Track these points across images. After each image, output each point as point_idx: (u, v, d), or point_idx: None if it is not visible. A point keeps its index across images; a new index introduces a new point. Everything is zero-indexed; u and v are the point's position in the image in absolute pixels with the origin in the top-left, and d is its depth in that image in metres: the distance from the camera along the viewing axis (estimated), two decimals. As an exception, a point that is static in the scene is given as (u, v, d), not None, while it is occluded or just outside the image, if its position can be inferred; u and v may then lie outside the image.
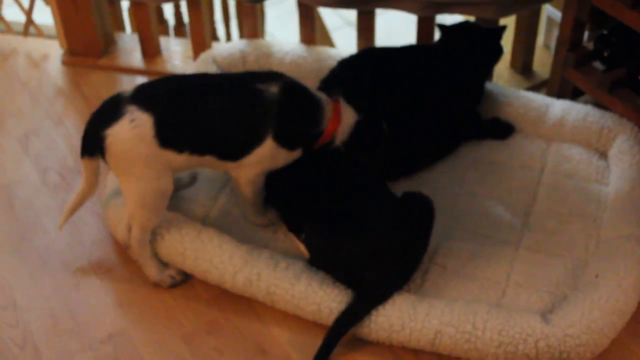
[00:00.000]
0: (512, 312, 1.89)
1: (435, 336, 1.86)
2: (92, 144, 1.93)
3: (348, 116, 2.06)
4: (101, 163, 1.98)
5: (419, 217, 2.01)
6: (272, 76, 1.98)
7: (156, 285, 2.08)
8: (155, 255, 2.07)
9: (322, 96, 2.04)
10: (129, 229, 2.02)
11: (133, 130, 1.86)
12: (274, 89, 1.94)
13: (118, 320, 2.03)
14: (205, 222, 2.20)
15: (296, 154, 2.01)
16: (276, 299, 1.98)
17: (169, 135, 1.89)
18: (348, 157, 2.08)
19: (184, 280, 2.09)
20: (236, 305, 2.04)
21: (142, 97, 1.90)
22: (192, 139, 1.92)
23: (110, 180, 2.28)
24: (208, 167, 2.08)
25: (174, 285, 2.08)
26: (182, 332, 1.99)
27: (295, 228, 2.07)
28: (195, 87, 1.96)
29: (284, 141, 1.96)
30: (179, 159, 1.94)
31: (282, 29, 4.55)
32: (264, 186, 2.11)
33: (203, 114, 1.92)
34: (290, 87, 1.98)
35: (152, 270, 2.06)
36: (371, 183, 2.06)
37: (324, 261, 2.00)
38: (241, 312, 2.03)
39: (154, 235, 2.07)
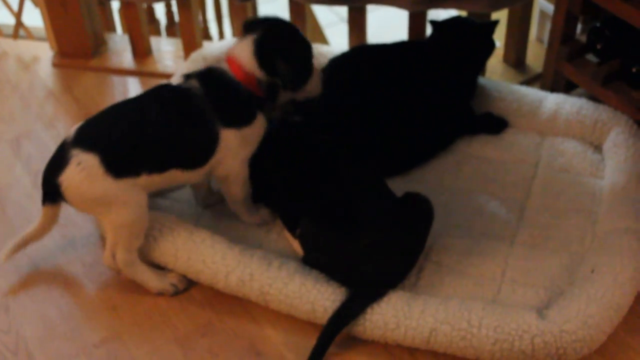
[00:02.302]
0: (508, 309, 1.87)
1: (431, 334, 1.85)
2: (52, 192, 1.94)
3: (242, 47, 2.01)
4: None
5: (417, 217, 2.00)
6: (189, 75, 2.01)
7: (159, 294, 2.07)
8: (150, 264, 2.05)
9: (216, 60, 2.08)
10: (114, 256, 2.01)
11: (82, 172, 1.87)
12: (194, 82, 1.97)
13: (111, 324, 2.01)
14: (197, 222, 2.18)
15: (257, 125, 2.02)
16: (270, 299, 1.97)
17: (119, 166, 1.89)
18: (345, 152, 2.07)
19: (187, 288, 2.07)
20: (230, 306, 2.03)
21: (83, 137, 1.91)
22: (144, 160, 1.92)
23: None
24: (184, 182, 2.10)
25: (177, 294, 2.06)
26: (175, 335, 1.98)
27: (290, 224, 2.06)
28: (131, 111, 1.98)
29: (233, 121, 1.97)
30: (141, 181, 1.93)
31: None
32: (259, 183, 2.10)
33: (148, 134, 1.92)
34: (206, 75, 2.00)
35: (151, 283, 2.05)
36: (370, 179, 2.05)
37: (319, 257, 1.98)
38: (235, 313, 2.02)
39: (146, 238, 2.05)
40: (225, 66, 2.00)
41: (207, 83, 1.98)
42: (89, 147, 1.88)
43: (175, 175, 1.97)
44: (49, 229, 2.05)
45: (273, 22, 2.06)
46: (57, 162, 1.92)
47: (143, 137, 1.92)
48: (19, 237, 2.06)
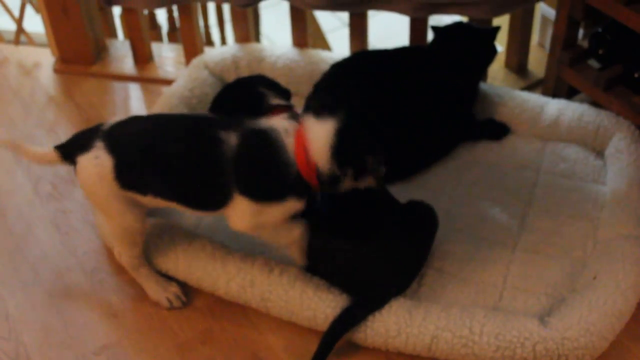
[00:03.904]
0: (509, 316, 1.87)
1: (432, 341, 1.84)
2: (68, 155, 1.90)
3: (317, 131, 1.78)
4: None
5: (421, 225, 1.99)
6: (236, 122, 1.82)
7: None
8: (153, 273, 2.05)
9: (281, 129, 1.79)
10: (120, 255, 2.01)
11: (95, 167, 1.84)
12: (233, 137, 1.78)
13: (111, 331, 2.01)
14: (198, 229, 2.18)
15: (286, 206, 1.80)
16: (271, 306, 1.96)
17: (128, 179, 1.85)
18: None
19: (184, 304, 2.05)
20: (230, 313, 2.02)
21: (113, 135, 1.86)
22: (153, 184, 1.85)
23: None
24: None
25: (172, 308, 2.04)
26: (176, 342, 1.97)
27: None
28: (158, 131, 1.87)
29: (253, 193, 1.78)
30: (145, 200, 1.88)
31: (279, 32, 4.55)
32: None
33: (162, 160, 1.83)
34: (250, 133, 1.79)
35: (150, 291, 2.04)
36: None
37: (322, 266, 1.98)
38: (236, 320, 2.01)
39: (147, 244, 2.05)
40: (288, 141, 1.77)
41: (249, 146, 1.79)
42: (110, 148, 1.83)
43: (180, 207, 1.90)
44: (43, 163, 1.99)
45: (352, 111, 1.82)
46: (85, 140, 1.87)
47: (160, 163, 1.83)
48: (20, 143, 1.98)
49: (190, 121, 1.90)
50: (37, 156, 1.96)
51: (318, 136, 1.76)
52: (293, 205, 1.81)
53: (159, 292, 2.03)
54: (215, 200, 1.82)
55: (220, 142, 1.77)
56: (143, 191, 1.86)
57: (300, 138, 1.77)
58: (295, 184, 1.78)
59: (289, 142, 1.77)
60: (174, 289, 2.04)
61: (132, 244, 1.97)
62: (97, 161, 1.83)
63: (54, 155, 1.92)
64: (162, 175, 1.84)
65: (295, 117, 1.83)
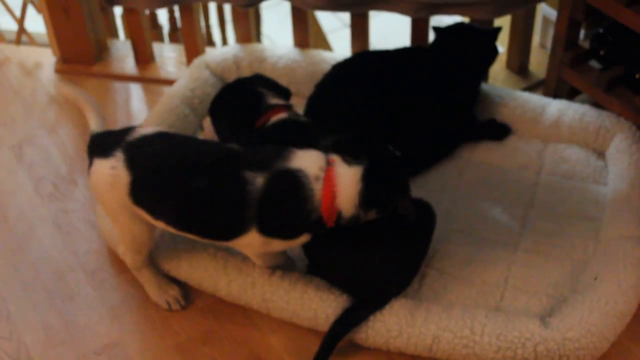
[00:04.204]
0: (511, 316, 1.87)
1: (433, 341, 1.85)
2: (90, 155, 1.89)
3: (347, 179, 1.75)
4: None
5: (419, 223, 1.99)
6: (265, 161, 1.77)
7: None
8: (155, 275, 2.04)
9: (312, 175, 1.75)
10: (124, 255, 2.00)
11: (110, 177, 1.81)
12: (260, 179, 1.74)
13: (113, 330, 2.01)
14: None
15: (297, 241, 1.82)
16: (272, 306, 1.96)
17: (143, 199, 1.82)
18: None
19: (184, 307, 2.04)
20: (232, 313, 2.02)
21: (134, 149, 1.81)
22: (167, 212, 1.82)
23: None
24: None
25: (170, 310, 2.04)
26: (177, 342, 1.97)
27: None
28: (182, 157, 1.82)
29: (270, 233, 1.78)
30: (155, 223, 1.86)
31: (280, 32, 4.55)
32: None
33: (181, 191, 1.79)
34: (278, 178, 1.75)
35: (151, 292, 2.04)
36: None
37: (323, 269, 1.98)
38: (237, 320, 2.01)
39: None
40: (317, 187, 1.74)
41: (276, 187, 1.75)
42: (130, 163, 1.79)
43: (189, 235, 1.87)
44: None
45: (376, 153, 1.81)
46: (107, 145, 1.83)
47: (179, 193, 1.79)
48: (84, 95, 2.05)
49: (216, 154, 1.84)
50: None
51: (347, 184, 1.74)
52: (303, 240, 1.82)
53: (159, 294, 2.03)
54: (229, 234, 1.81)
55: (246, 183, 1.74)
56: (155, 215, 1.83)
57: (330, 185, 1.74)
58: (313, 226, 1.77)
59: (317, 189, 1.74)
60: (174, 292, 2.04)
61: (137, 251, 1.96)
62: (113, 171, 1.80)
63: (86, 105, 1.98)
64: (179, 206, 1.80)
65: (326, 153, 1.80)
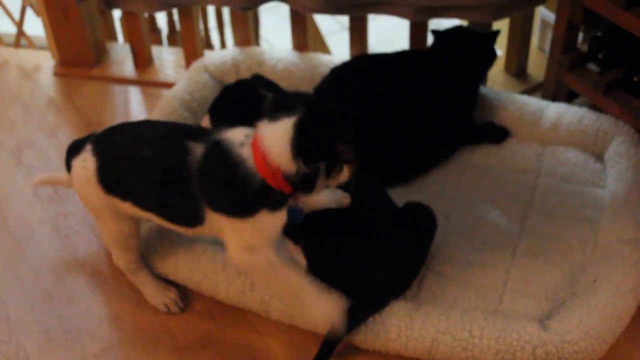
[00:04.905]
0: (509, 319, 1.87)
1: (432, 344, 1.85)
2: (67, 165, 1.93)
3: (273, 133, 1.66)
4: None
5: (419, 227, 1.99)
6: (205, 132, 1.76)
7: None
8: (152, 278, 2.04)
9: (235, 141, 1.71)
10: (117, 259, 2.01)
11: (82, 170, 1.84)
12: (199, 149, 1.72)
13: (112, 334, 2.01)
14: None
15: (261, 221, 1.71)
16: (271, 309, 1.97)
17: (109, 183, 1.83)
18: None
19: (182, 310, 2.03)
20: (231, 317, 2.02)
21: (100, 140, 1.86)
22: (131, 190, 1.82)
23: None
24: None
25: (169, 313, 2.04)
26: (176, 346, 1.97)
27: (293, 234, 2.05)
28: (139, 136, 1.83)
29: (222, 208, 1.72)
30: (126, 208, 1.84)
31: (278, 35, 4.55)
32: None
33: (137, 166, 1.79)
34: (211, 148, 1.72)
35: (148, 295, 2.04)
36: (371, 190, 2.04)
37: (322, 272, 1.98)
38: (236, 323, 2.01)
39: (147, 249, 2.05)
40: (245, 152, 1.69)
41: (209, 159, 1.72)
42: (96, 151, 1.83)
43: (160, 221, 1.85)
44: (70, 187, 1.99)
45: (312, 101, 1.71)
46: (77, 145, 1.89)
47: (136, 168, 1.80)
48: (50, 174, 2.12)
49: (168, 128, 1.85)
50: (65, 179, 2.02)
51: (274, 138, 1.65)
52: (269, 219, 1.72)
53: (157, 297, 2.03)
54: (188, 214, 1.77)
55: (187, 153, 1.72)
56: (123, 197, 1.83)
57: (257, 146, 1.67)
58: (263, 194, 1.69)
59: (246, 153, 1.68)
60: (172, 294, 2.04)
61: (126, 248, 1.97)
62: (84, 164, 1.84)
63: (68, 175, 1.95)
64: (137, 181, 1.80)
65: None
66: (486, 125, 2.45)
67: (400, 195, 2.10)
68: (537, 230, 2.15)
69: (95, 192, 1.85)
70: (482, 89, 2.52)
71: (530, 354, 1.80)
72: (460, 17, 2.46)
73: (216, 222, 1.74)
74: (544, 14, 2.96)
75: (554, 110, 2.44)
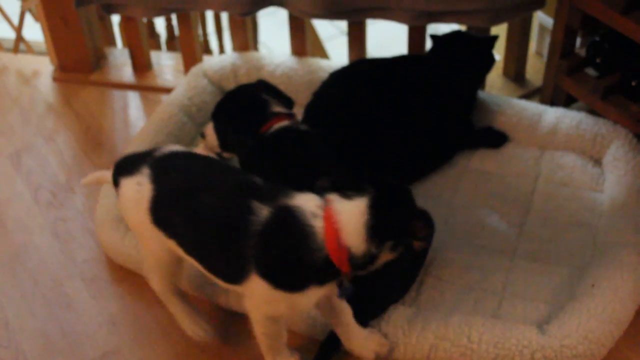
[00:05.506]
0: (508, 324, 1.87)
1: (430, 350, 1.85)
2: (115, 178, 1.86)
3: (349, 212, 1.60)
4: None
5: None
6: (272, 195, 1.66)
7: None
8: (186, 305, 1.95)
9: (308, 211, 1.62)
10: (151, 281, 1.93)
11: (135, 194, 1.77)
12: (264, 212, 1.63)
13: (111, 338, 2.01)
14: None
15: (307, 296, 1.64)
16: (270, 315, 1.96)
17: (160, 216, 1.76)
18: (342, 169, 2.06)
19: (213, 337, 1.96)
20: (230, 321, 2.02)
21: (160, 167, 1.78)
22: (179, 231, 1.75)
23: (102, 197, 2.26)
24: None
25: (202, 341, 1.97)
26: (175, 350, 1.97)
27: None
28: (201, 175, 1.77)
29: (271, 277, 1.62)
30: (169, 244, 1.78)
31: (276, 39, 4.55)
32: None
33: (192, 209, 1.72)
34: (279, 212, 1.63)
35: (181, 323, 1.95)
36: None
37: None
38: (235, 328, 2.01)
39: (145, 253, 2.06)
40: (317, 224, 1.59)
41: (275, 225, 1.62)
42: (155, 180, 1.76)
43: (198, 265, 1.77)
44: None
45: (377, 179, 1.66)
46: (132, 162, 1.82)
47: (190, 210, 1.72)
48: (99, 173, 2.02)
49: (233, 178, 1.77)
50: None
51: (349, 217, 1.59)
52: (314, 294, 1.64)
53: (189, 325, 1.95)
54: (230, 270, 1.70)
55: (251, 212, 1.63)
56: (169, 234, 1.76)
57: (331, 222, 1.59)
58: (321, 272, 1.61)
59: (317, 226, 1.59)
60: (204, 322, 1.96)
61: (163, 275, 1.89)
62: (138, 188, 1.77)
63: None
64: (188, 224, 1.73)
65: (320, 194, 1.66)
66: (485, 129, 2.45)
67: (399, 200, 2.10)
68: (535, 234, 2.16)
69: (142, 218, 1.78)
70: (481, 94, 2.52)
71: (529, 358, 1.80)
72: (459, 22, 2.46)
73: (256, 286, 1.64)
74: (542, 19, 2.96)
75: (552, 115, 2.44)
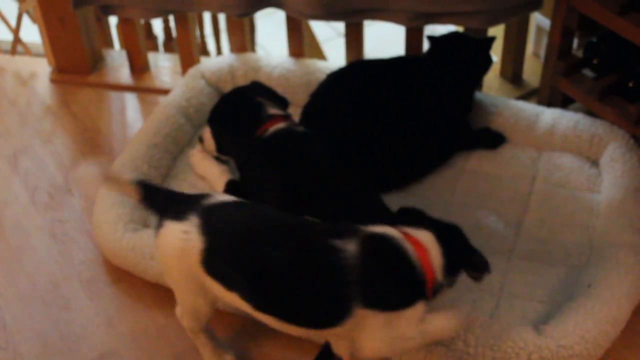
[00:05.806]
0: (504, 326, 1.87)
1: (426, 355, 1.85)
2: (155, 209, 1.78)
3: (429, 243, 1.68)
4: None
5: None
6: (344, 230, 1.66)
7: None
8: (211, 341, 1.90)
9: (396, 235, 1.67)
10: (181, 317, 1.87)
11: (181, 242, 1.68)
12: (351, 246, 1.62)
13: (109, 340, 2.01)
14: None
15: (416, 309, 1.65)
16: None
17: (218, 269, 1.68)
18: (340, 171, 2.06)
19: None
20: (228, 323, 2.02)
21: (211, 218, 1.69)
22: (243, 285, 1.67)
23: (99, 199, 2.25)
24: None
25: None
26: (173, 352, 1.97)
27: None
28: (262, 227, 1.71)
29: (382, 304, 1.62)
30: (224, 295, 1.71)
31: (273, 41, 4.56)
32: (254, 193, 2.02)
33: (260, 263, 1.65)
34: (372, 242, 1.65)
35: (205, 356, 1.92)
36: (364, 196, 2.04)
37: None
38: (233, 330, 2.01)
39: (144, 257, 2.05)
40: (408, 246, 1.65)
41: (373, 253, 1.63)
42: (205, 231, 1.67)
43: (270, 319, 1.70)
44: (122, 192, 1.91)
45: (433, 220, 1.76)
46: (180, 208, 1.72)
47: (258, 265, 1.66)
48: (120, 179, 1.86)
49: (295, 225, 1.73)
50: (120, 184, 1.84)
51: (430, 247, 1.67)
52: (422, 309, 1.66)
53: (213, 358, 1.92)
54: (325, 316, 1.65)
55: (337, 251, 1.62)
56: (229, 287, 1.69)
57: (421, 247, 1.66)
58: (422, 286, 1.65)
59: (409, 247, 1.65)
60: (229, 357, 1.93)
61: (197, 319, 1.83)
62: (185, 236, 1.68)
63: (132, 188, 1.79)
64: (257, 279, 1.66)
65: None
66: (482, 130, 2.45)
67: (395, 201, 2.09)
68: (533, 235, 2.16)
69: (188, 267, 1.70)
70: (478, 95, 2.52)
71: None
72: (456, 23, 2.46)
73: (361, 319, 1.62)
74: (539, 20, 2.97)
75: (550, 116, 2.44)
